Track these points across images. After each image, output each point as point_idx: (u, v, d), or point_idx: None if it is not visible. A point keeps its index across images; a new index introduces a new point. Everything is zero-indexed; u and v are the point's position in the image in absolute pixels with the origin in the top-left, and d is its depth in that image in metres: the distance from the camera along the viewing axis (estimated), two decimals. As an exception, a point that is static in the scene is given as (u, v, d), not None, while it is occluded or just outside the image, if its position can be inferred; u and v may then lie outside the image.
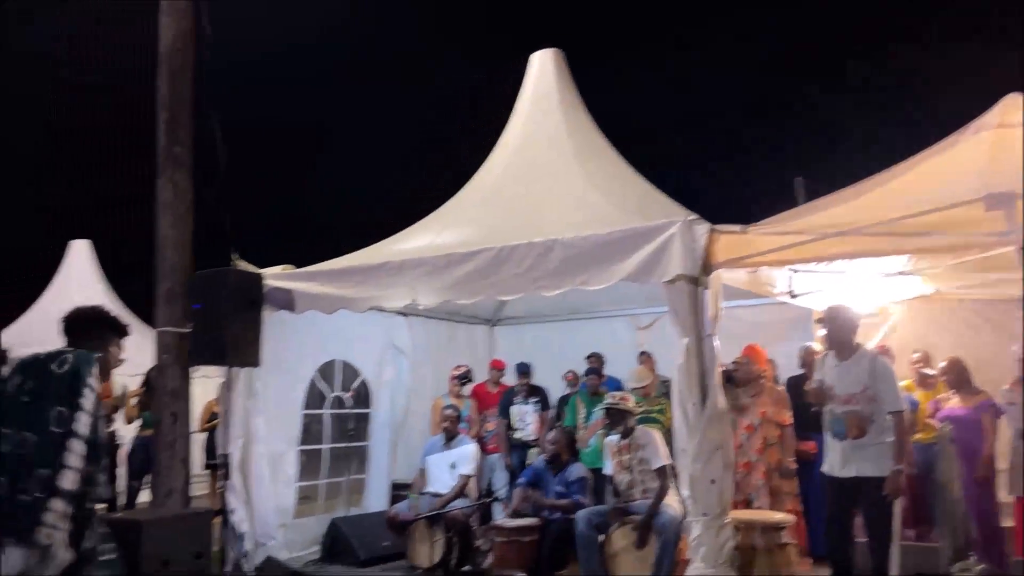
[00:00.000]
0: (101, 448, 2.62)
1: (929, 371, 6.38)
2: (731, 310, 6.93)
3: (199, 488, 8.58)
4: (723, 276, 4.86)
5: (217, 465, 6.91)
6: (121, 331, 3.08)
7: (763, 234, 4.63)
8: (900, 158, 5.22)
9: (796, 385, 6.25)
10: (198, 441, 8.42)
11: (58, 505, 2.58)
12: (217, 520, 6.02)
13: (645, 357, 7.26)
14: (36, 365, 2.76)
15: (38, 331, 11.66)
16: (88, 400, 2.64)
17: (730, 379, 6.51)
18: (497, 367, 7.85)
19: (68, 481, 2.57)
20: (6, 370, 2.82)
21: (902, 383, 6.24)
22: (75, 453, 2.59)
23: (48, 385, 2.69)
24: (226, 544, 6.04)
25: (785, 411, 6.09)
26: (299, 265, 6.62)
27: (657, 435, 5.57)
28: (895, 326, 6.60)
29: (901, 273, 5.21)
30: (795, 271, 5.23)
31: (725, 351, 6.55)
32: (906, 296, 6.23)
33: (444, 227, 6.46)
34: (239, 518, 6.19)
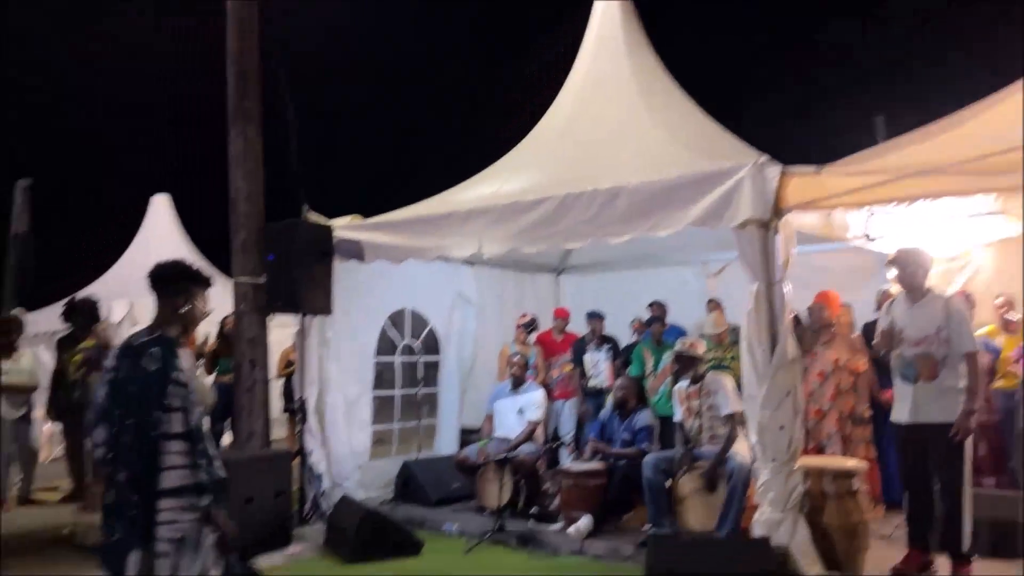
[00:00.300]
0: (196, 437, 2.66)
1: (1013, 316, 6.12)
2: (804, 256, 6.75)
3: (278, 432, 8.96)
4: (795, 220, 4.72)
5: (294, 410, 7.18)
6: (204, 283, 3.06)
7: (838, 175, 4.46)
8: (984, 95, 4.93)
9: (871, 332, 6.10)
10: (276, 387, 8.76)
11: (168, 504, 2.64)
12: (296, 461, 6.29)
13: (714, 304, 7.15)
14: (131, 358, 2.80)
15: (125, 282, 12.27)
16: (177, 398, 2.69)
17: (800, 324, 6.39)
18: (561, 316, 7.87)
19: (171, 480, 2.64)
20: (111, 360, 2.91)
21: (985, 329, 6.03)
22: (173, 452, 2.66)
23: (143, 385, 2.72)
24: (304, 484, 6.31)
25: (860, 358, 5.96)
26: (367, 216, 6.73)
27: (728, 381, 5.53)
28: (978, 270, 6.31)
29: (985, 214, 4.96)
30: (872, 213, 5.05)
31: (798, 298, 6.41)
32: (990, 238, 5.94)
33: (510, 175, 6.45)
34: (316, 459, 6.46)
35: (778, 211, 4.58)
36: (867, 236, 5.31)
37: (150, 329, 2.93)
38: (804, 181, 4.53)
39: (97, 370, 7.00)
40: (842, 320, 6.39)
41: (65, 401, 6.88)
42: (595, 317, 7.52)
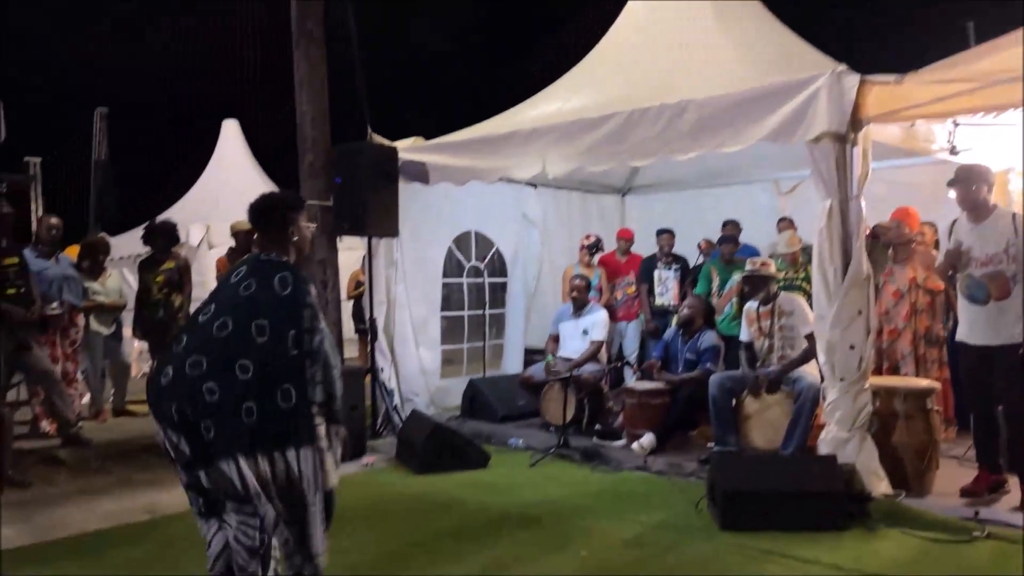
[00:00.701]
0: (321, 355, 2.78)
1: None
2: (884, 171, 6.50)
3: (349, 351, 9.27)
4: (874, 132, 4.51)
5: (365, 330, 7.39)
6: (301, 206, 3.07)
7: (921, 84, 4.22)
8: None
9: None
10: (347, 309, 9.01)
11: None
12: (367, 379, 6.52)
13: (786, 223, 6.95)
14: (264, 277, 2.82)
15: (201, 206, 12.68)
16: (308, 320, 2.76)
17: (876, 238, 6.18)
18: (625, 237, 7.79)
19: (319, 392, 2.78)
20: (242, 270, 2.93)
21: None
22: (306, 368, 2.76)
23: (276, 304, 2.77)
24: (376, 399, 6.55)
25: (937, 277, 5.74)
26: (429, 138, 6.73)
27: (803, 302, 5.43)
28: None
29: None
30: (957, 124, 4.78)
31: (875, 216, 6.20)
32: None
33: (574, 92, 6.32)
34: (387, 376, 6.68)
35: (856, 123, 4.39)
36: (952, 149, 5.05)
37: (274, 252, 2.95)
38: (885, 91, 4.30)
39: (178, 291, 7.32)
40: (923, 238, 6.15)
41: (149, 320, 7.23)
42: (665, 233, 7.42)
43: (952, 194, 4.58)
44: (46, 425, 6.23)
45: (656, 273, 7.38)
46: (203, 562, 3.72)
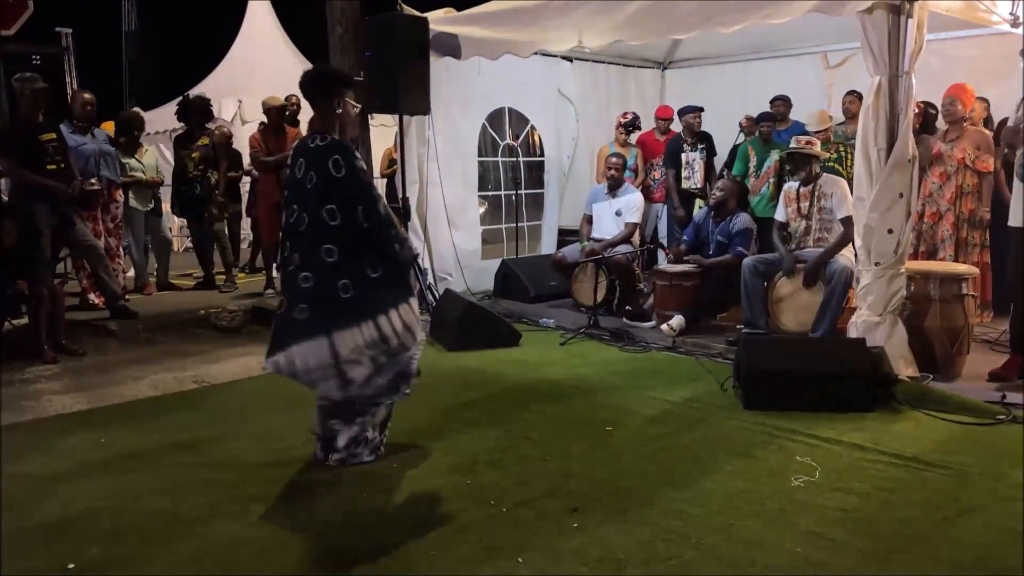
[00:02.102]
0: (389, 222, 3.09)
1: None
2: (936, 43, 6.15)
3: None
4: (931, 3, 4.23)
5: (397, 209, 7.41)
6: (349, 82, 3.25)
7: (989, -53, 3.91)
8: None
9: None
10: (379, 187, 9.02)
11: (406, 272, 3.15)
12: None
13: (854, 98, 6.44)
14: (319, 164, 3.03)
15: (232, 78, 12.54)
16: (365, 193, 3.05)
17: (928, 114, 5.93)
18: (664, 116, 7.53)
19: (403, 253, 3.13)
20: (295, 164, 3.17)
21: None
22: (385, 234, 3.06)
23: (334, 187, 3.00)
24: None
25: (987, 157, 5.54)
26: (461, 8, 6.48)
27: (845, 184, 5.28)
28: None
29: None
30: (1023, -9, 4.47)
31: (929, 92, 5.94)
32: None
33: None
34: (421, 256, 6.75)
35: (913, -9, 4.11)
36: (1014, 20, 4.74)
37: (319, 135, 3.13)
38: (947, -44, 4.00)
39: (214, 167, 7.37)
40: (975, 115, 5.89)
41: (188, 197, 7.32)
42: (691, 111, 7.12)
43: (1023, 64, 4.33)
44: (94, 298, 6.47)
45: (684, 156, 7.14)
46: (248, 427, 3.94)
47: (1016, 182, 4.32)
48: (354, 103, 3.26)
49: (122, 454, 3.63)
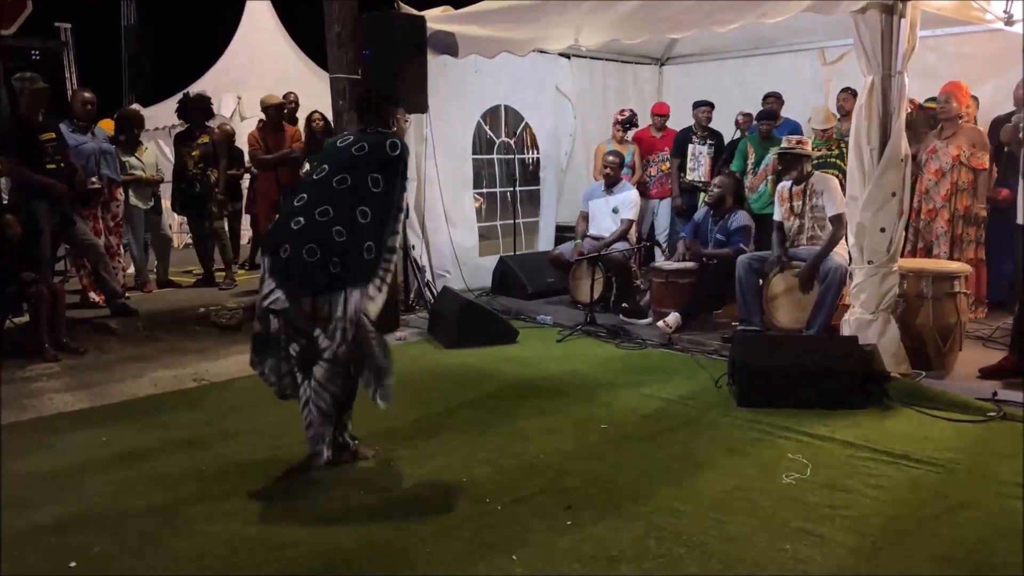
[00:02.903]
0: (407, 212, 3.45)
1: None
2: (932, 40, 6.17)
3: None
4: (924, 2, 4.26)
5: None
6: (397, 102, 3.57)
7: (980, -52, 3.94)
8: None
9: (1001, 125, 5.65)
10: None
11: (388, 256, 3.26)
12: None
13: (848, 95, 6.49)
14: (375, 142, 3.31)
15: (231, 74, 12.55)
16: (405, 184, 3.38)
17: (920, 111, 5.95)
18: (660, 112, 7.56)
19: (395, 241, 3.30)
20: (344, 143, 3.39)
21: None
22: (398, 221, 3.33)
23: (386, 162, 3.25)
24: (408, 276, 6.69)
25: (982, 154, 5.56)
26: (458, 7, 6.49)
27: (835, 183, 5.32)
28: None
29: None
30: (1016, -11, 4.50)
31: (923, 87, 5.96)
32: None
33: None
34: (418, 253, 6.79)
35: (906, -9, 4.14)
36: (1008, 18, 4.76)
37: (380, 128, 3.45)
38: (939, -44, 4.03)
39: (214, 165, 7.40)
40: (969, 113, 5.91)
41: (188, 195, 7.35)
42: (703, 106, 7.17)
43: None
44: (94, 296, 6.51)
45: (690, 148, 7.20)
46: (248, 425, 3.99)
47: (1021, 180, 4.34)
48: (405, 117, 3.59)
49: (123, 452, 3.68)
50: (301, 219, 3.19)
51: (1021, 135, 4.27)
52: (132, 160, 7.07)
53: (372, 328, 3.20)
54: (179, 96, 8.33)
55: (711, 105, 7.19)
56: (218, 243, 7.60)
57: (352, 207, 3.18)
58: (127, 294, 6.49)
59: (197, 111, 7.49)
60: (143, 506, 3.10)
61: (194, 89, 9.95)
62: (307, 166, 7.47)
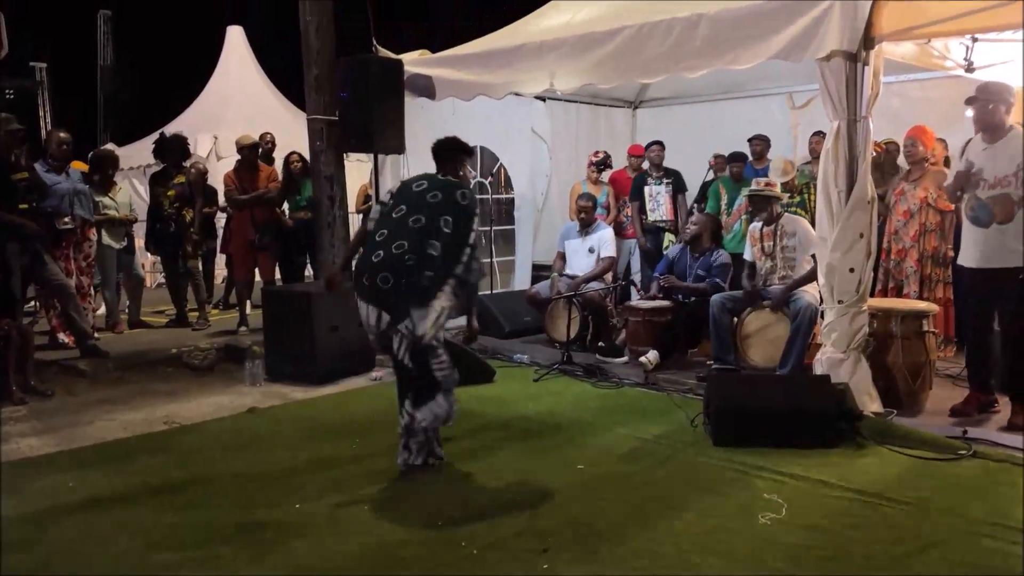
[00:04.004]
0: (476, 247, 3.78)
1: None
2: (896, 85, 6.35)
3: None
4: (887, 50, 4.40)
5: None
6: (470, 152, 4.11)
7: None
8: None
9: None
10: (355, 222, 9.05)
11: (472, 291, 3.84)
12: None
13: (819, 139, 6.63)
14: (448, 189, 3.76)
15: (208, 115, 12.57)
16: (475, 223, 3.79)
17: (888, 154, 6.09)
18: (636, 154, 7.68)
19: (475, 276, 3.80)
20: (387, 196, 3.94)
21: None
22: (473, 258, 3.75)
23: (457, 209, 3.71)
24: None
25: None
26: (435, 51, 6.60)
27: (806, 223, 5.43)
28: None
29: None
30: (975, 39, 4.65)
31: (888, 130, 6.12)
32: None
33: (584, 3, 6.13)
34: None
35: (868, 41, 4.28)
36: (968, 66, 4.93)
37: (451, 177, 3.94)
38: (899, 7, 4.18)
39: (189, 206, 7.37)
40: (936, 155, 6.07)
41: (162, 234, 7.31)
42: (654, 145, 7.28)
43: (969, 112, 4.50)
44: (63, 337, 6.42)
45: (647, 189, 7.29)
46: (219, 469, 3.92)
47: (966, 224, 4.46)
48: (470, 168, 4.23)
49: (90, 498, 3.60)
50: (381, 252, 3.68)
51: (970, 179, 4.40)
52: (105, 200, 7.03)
53: (441, 351, 3.73)
54: (155, 136, 8.33)
55: (661, 144, 7.30)
56: (192, 282, 7.54)
57: (423, 242, 3.63)
58: (97, 335, 6.40)
59: (174, 151, 7.49)
60: (110, 553, 3.03)
61: (170, 129, 9.96)
62: (286, 206, 7.50)
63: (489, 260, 7.88)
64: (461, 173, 3.99)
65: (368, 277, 3.68)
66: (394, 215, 3.76)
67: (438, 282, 3.63)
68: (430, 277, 3.59)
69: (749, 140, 7.06)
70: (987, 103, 4.32)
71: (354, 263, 3.93)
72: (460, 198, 3.76)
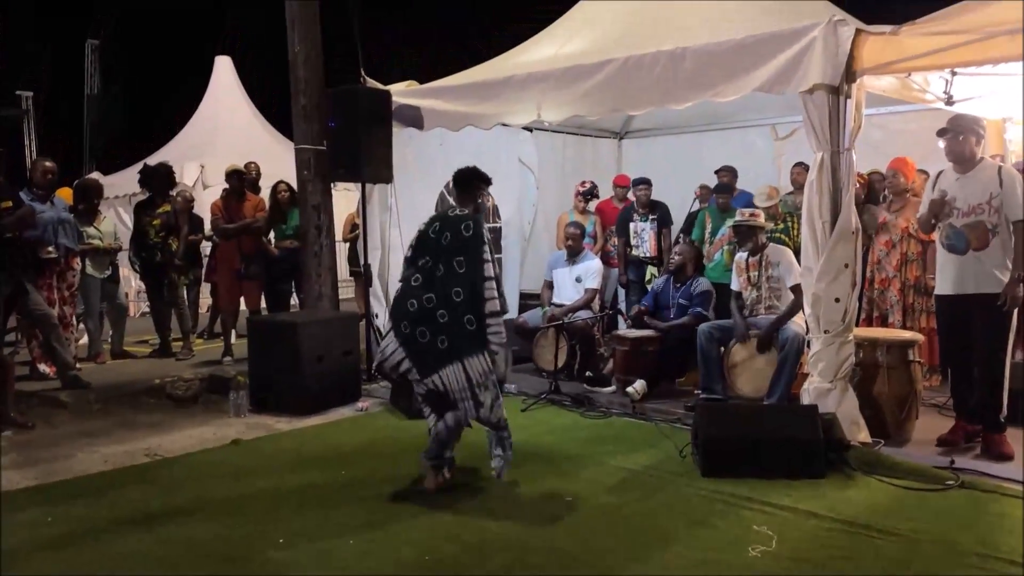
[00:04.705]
0: (498, 279, 3.88)
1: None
2: (878, 117, 6.45)
3: (346, 292, 9.33)
4: (868, 83, 4.48)
5: (360, 272, 7.43)
6: (488, 180, 4.25)
7: (917, 35, 4.16)
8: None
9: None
10: (343, 250, 9.04)
11: (493, 322, 3.83)
12: (362, 322, 6.59)
13: (801, 169, 6.69)
14: (454, 227, 3.90)
15: (195, 144, 12.58)
16: (486, 251, 3.85)
17: (871, 190, 6.17)
18: (621, 184, 7.74)
19: (492, 306, 3.83)
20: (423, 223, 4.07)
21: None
22: (489, 288, 3.83)
23: (464, 244, 3.83)
24: (371, 344, 6.63)
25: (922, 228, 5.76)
26: (423, 82, 6.64)
27: (790, 254, 5.48)
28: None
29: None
30: (955, 73, 4.74)
31: (870, 161, 6.19)
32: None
33: (571, 35, 6.21)
34: (382, 322, 6.74)
35: (850, 75, 4.35)
36: (948, 99, 5.01)
37: (458, 208, 4.10)
38: (879, 42, 4.25)
39: (174, 235, 7.35)
40: (916, 186, 6.16)
41: (147, 263, 7.27)
42: (641, 184, 7.33)
43: (941, 144, 4.58)
44: (44, 367, 6.34)
45: (632, 225, 7.34)
46: (202, 502, 3.86)
47: (940, 252, 4.53)
48: (488, 193, 4.42)
49: (69, 532, 3.53)
50: (415, 302, 3.86)
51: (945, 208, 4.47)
52: (90, 230, 7.00)
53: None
54: (140, 165, 8.32)
55: (648, 183, 7.34)
56: (176, 312, 7.49)
57: (448, 290, 3.81)
58: (79, 365, 6.33)
59: (159, 180, 7.47)
60: (89, 591, 2.96)
61: (158, 157, 9.97)
62: (272, 235, 7.49)
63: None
64: (479, 200, 4.18)
65: (407, 325, 3.88)
66: (420, 263, 3.95)
67: (481, 326, 3.79)
68: (470, 320, 3.78)
69: (717, 171, 7.11)
70: (957, 135, 4.43)
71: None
72: (464, 230, 3.89)
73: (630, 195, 7.64)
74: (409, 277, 3.95)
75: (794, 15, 4.86)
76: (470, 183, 4.20)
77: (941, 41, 4.11)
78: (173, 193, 7.68)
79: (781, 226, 6.42)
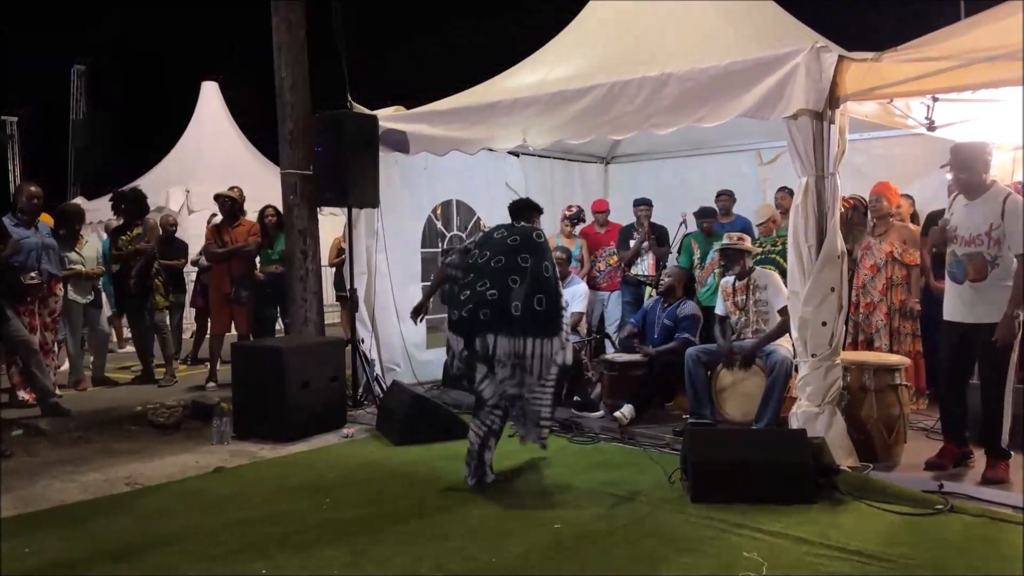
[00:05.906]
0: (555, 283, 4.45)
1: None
2: (860, 142, 6.52)
3: (332, 316, 9.27)
4: (851, 108, 4.52)
5: (346, 297, 7.39)
6: (540, 210, 4.84)
7: (898, 62, 4.21)
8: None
9: (934, 221, 5.92)
10: (329, 275, 9.00)
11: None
12: (348, 348, 6.53)
13: (785, 194, 6.76)
14: (524, 233, 4.49)
15: (181, 168, 12.55)
16: (549, 258, 4.46)
17: (856, 211, 6.21)
18: (600, 209, 7.77)
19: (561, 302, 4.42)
20: (472, 241, 4.65)
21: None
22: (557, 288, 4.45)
23: (534, 248, 4.40)
24: (357, 369, 6.58)
25: (914, 250, 5.81)
26: (410, 107, 6.66)
27: (777, 277, 5.49)
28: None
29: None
30: (936, 99, 4.80)
31: (854, 186, 6.23)
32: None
33: (557, 61, 6.26)
34: (368, 347, 6.70)
35: (833, 101, 4.39)
36: (930, 124, 5.07)
37: (525, 224, 4.66)
38: (862, 68, 4.30)
39: (154, 256, 7.28)
40: (902, 211, 6.21)
41: (127, 289, 7.20)
42: (641, 204, 7.38)
43: (948, 176, 4.57)
44: (24, 394, 6.23)
45: (632, 244, 7.36)
46: (182, 533, 3.78)
47: (947, 277, 4.51)
48: (539, 221, 4.82)
49: (46, 564, 3.44)
50: (468, 292, 4.34)
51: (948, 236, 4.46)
52: (71, 255, 6.93)
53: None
54: (111, 194, 8.29)
55: (649, 203, 7.36)
56: (159, 337, 7.41)
57: (504, 278, 4.28)
58: (60, 392, 6.23)
59: (131, 204, 7.45)
60: (64, 626, 2.88)
61: (143, 182, 9.95)
62: (258, 260, 7.45)
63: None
64: (535, 222, 4.72)
65: (457, 314, 4.34)
66: (480, 260, 4.41)
67: (531, 313, 4.23)
68: (516, 307, 4.22)
69: (717, 196, 7.16)
70: (962, 166, 4.33)
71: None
72: (535, 237, 4.49)
73: (612, 217, 7.65)
74: (463, 276, 4.41)
75: (777, 41, 4.92)
76: (525, 212, 4.75)
77: (922, 67, 4.15)
78: (147, 218, 7.63)
79: (780, 247, 6.43)
